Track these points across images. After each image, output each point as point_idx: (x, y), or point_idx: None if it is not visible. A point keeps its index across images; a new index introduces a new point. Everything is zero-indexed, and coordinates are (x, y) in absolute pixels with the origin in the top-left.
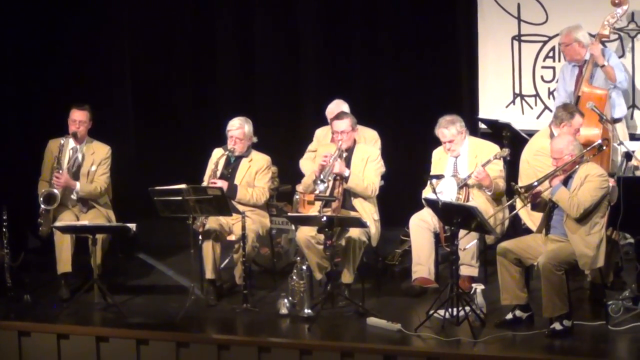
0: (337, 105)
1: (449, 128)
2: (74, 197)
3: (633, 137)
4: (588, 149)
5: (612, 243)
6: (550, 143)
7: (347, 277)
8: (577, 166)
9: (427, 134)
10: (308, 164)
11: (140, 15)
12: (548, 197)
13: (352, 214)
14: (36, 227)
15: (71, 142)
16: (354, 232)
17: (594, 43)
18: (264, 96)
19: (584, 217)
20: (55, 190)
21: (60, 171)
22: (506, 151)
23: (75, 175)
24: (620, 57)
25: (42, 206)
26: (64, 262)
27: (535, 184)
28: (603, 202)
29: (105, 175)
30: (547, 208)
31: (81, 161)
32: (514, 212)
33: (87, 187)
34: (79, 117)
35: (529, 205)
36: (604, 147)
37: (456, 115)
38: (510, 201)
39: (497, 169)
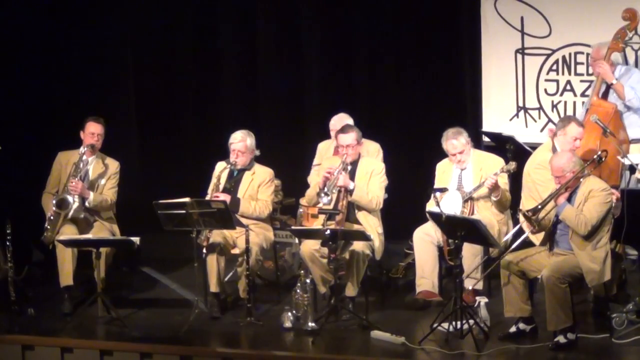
0: (341, 119)
1: (458, 138)
2: (86, 204)
3: None
4: (588, 163)
5: (616, 256)
6: (550, 162)
7: (351, 290)
8: (580, 181)
9: (431, 147)
10: (316, 177)
11: (144, 30)
12: (551, 215)
13: (356, 227)
14: (40, 241)
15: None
16: (358, 246)
17: (600, 61)
18: (268, 110)
19: (592, 234)
20: (70, 197)
21: (77, 179)
22: (513, 165)
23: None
24: None
25: (54, 209)
26: (66, 275)
27: (540, 207)
28: (608, 216)
29: (114, 189)
30: (550, 224)
31: (90, 174)
32: (524, 235)
33: (98, 197)
34: (97, 130)
35: (537, 229)
36: (603, 159)
37: (459, 127)
38: (518, 226)
39: (502, 182)
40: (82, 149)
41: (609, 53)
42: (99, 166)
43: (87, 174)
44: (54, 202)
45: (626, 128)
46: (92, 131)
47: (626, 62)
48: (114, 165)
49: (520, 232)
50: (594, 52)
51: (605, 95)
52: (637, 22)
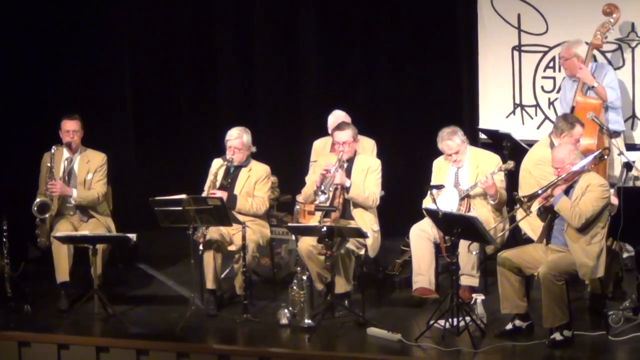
0: (338, 116)
1: (453, 139)
2: (70, 204)
3: (634, 147)
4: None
5: (612, 253)
6: (552, 152)
7: (340, 286)
8: (578, 176)
9: (427, 144)
10: (312, 174)
11: (141, 26)
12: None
13: (352, 223)
14: (36, 238)
15: (65, 152)
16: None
17: (581, 67)
18: (264, 106)
19: (585, 227)
20: (47, 200)
21: (54, 180)
22: (511, 164)
23: (70, 184)
24: (620, 67)
25: (37, 216)
26: (62, 271)
27: (540, 192)
28: (604, 212)
29: (102, 181)
30: (549, 218)
31: (76, 170)
32: (515, 223)
33: (84, 194)
34: (72, 127)
35: (530, 214)
36: (605, 157)
37: (454, 126)
38: (512, 212)
39: (498, 180)
40: (52, 150)
41: (591, 49)
42: (83, 161)
43: (72, 172)
44: (35, 209)
45: (607, 122)
46: (67, 129)
47: (622, 58)
48: (98, 157)
49: (513, 220)
50: (563, 51)
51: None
52: (619, 17)
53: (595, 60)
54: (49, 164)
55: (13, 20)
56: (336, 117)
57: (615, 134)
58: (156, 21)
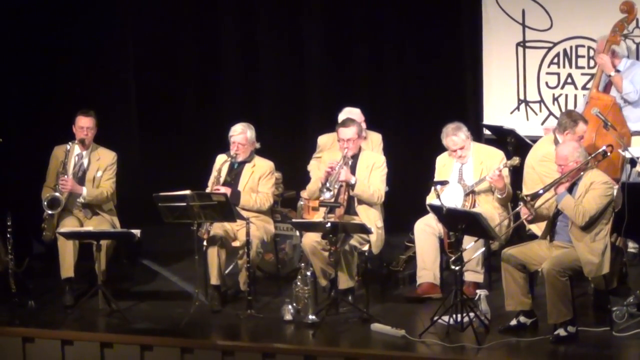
0: (347, 113)
1: (457, 134)
2: (80, 201)
3: None
4: (593, 155)
5: (616, 249)
6: (555, 150)
7: (343, 282)
8: (582, 173)
9: (431, 140)
10: (316, 169)
11: (145, 22)
12: (552, 206)
13: (356, 219)
14: (40, 232)
15: (77, 149)
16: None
17: (600, 53)
18: (268, 102)
19: (590, 225)
20: (59, 195)
21: (66, 176)
22: (517, 160)
23: (81, 181)
24: None
25: (46, 211)
26: (67, 267)
27: (541, 192)
28: (608, 208)
29: (111, 180)
30: (552, 215)
31: (87, 167)
32: (519, 220)
33: (93, 192)
34: (86, 124)
35: (534, 213)
36: (609, 154)
37: (458, 122)
38: (516, 210)
39: (503, 175)
40: (68, 146)
41: (608, 46)
42: (94, 159)
43: (82, 168)
44: (45, 203)
45: (628, 121)
46: (82, 125)
47: (627, 54)
48: (109, 156)
49: (517, 217)
50: (598, 45)
51: (607, 90)
52: (635, 15)
53: (629, 56)
54: (62, 159)
55: (15, 16)
56: (352, 114)
57: (636, 133)
58: (160, 17)
